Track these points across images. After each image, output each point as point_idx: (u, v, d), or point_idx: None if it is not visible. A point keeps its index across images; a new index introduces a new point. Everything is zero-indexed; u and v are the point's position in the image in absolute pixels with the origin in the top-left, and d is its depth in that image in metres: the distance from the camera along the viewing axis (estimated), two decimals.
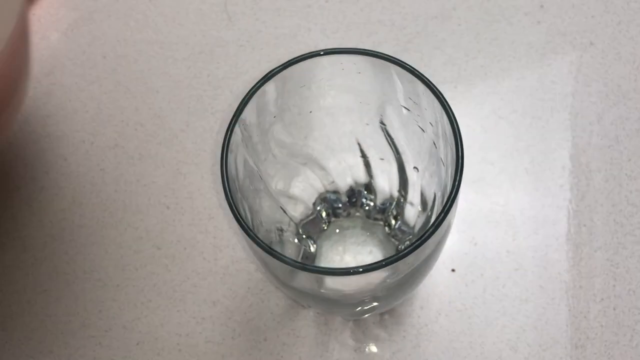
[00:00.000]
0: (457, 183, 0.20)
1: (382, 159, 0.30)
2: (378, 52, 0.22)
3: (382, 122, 0.27)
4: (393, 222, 0.32)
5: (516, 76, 0.37)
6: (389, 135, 0.28)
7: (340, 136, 0.29)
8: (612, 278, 0.33)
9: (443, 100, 0.21)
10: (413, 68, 0.21)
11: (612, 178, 0.35)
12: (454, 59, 0.38)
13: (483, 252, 0.34)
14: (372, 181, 0.32)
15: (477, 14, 0.39)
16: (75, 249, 0.35)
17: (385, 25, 0.39)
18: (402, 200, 0.31)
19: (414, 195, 0.30)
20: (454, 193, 0.20)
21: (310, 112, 0.27)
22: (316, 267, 0.20)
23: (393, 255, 0.20)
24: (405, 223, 0.32)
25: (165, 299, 0.34)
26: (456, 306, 0.33)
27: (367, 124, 0.28)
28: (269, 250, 0.21)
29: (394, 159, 0.29)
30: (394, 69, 0.22)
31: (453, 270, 0.34)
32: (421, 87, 0.22)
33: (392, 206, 0.32)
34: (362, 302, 0.27)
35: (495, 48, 0.38)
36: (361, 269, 0.21)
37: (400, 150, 0.28)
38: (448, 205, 0.20)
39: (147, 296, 0.34)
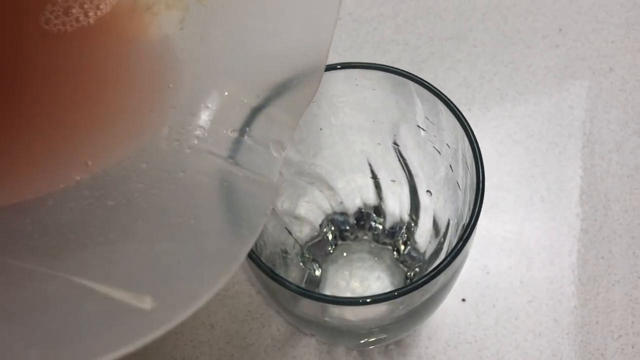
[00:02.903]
0: (477, 210, 0.18)
1: (393, 181, 0.29)
2: (397, 69, 0.21)
3: (395, 143, 0.26)
4: (402, 247, 0.31)
5: (533, 100, 0.36)
6: (402, 157, 0.27)
7: (350, 155, 0.28)
8: (630, 314, 0.31)
9: (464, 121, 0.20)
10: (433, 87, 0.20)
11: (632, 209, 0.33)
12: (469, 81, 0.37)
13: (495, 281, 0.32)
14: (382, 204, 0.30)
15: (494, 36, 0.38)
16: None
17: (399, 44, 0.38)
18: (412, 224, 0.30)
19: (425, 220, 0.29)
20: (473, 220, 0.18)
21: (321, 129, 0.25)
22: (321, 295, 0.19)
23: (406, 286, 0.19)
24: (415, 249, 0.30)
25: None
26: (466, 338, 0.31)
27: (379, 144, 0.27)
28: (272, 274, 0.20)
29: (406, 181, 0.28)
30: (413, 86, 0.21)
31: (463, 299, 0.32)
32: (441, 106, 0.20)
33: (402, 230, 0.30)
34: (368, 333, 0.26)
35: (512, 71, 0.37)
36: (369, 300, 0.19)
37: (413, 172, 0.27)
38: (467, 233, 0.18)
39: None
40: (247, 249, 0.15)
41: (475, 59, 0.37)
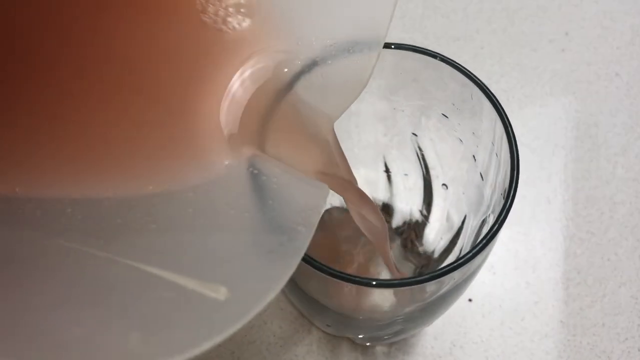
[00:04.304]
0: (513, 187, 0.18)
1: (406, 175, 0.28)
2: (429, 50, 0.20)
3: (414, 133, 0.26)
4: (410, 244, 0.30)
5: (539, 103, 0.36)
6: (420, 148, 0.26)
7: (364, 147, 0.27)
8: (636, 316, 0.31)
9: (500, 107, 0.19)
10: (469, 71, 0.20)
11: (637, 212, 0.33)
12: None
13: (502, 282, 0.32)
14: (392, 199, 0.30)
15: (501, 38, 0.38)
16: None
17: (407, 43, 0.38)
18: (423, 221, 0.29)
19: (438, 216, 0.28)
20: (510, 198, 0.18)
21: None
22: (339, 271, 0.18)
23: (435, 271, 0.18)
24: (424, 246, 0.30)
25: None
26: (472, 338, 0.31)
27: (397, 134, 0.26)
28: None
29: (421, 174, 0.28)
30: (444, 69, 0.20)
31: (470, 299, 0.32)
32: (473, 91, 0.20)
33: (411, 227, 0.30)
34: (378, 326, 0.25)
35: (519, 73, 0.37)
36: (400, 282, 0.19)
37: (430, 164, 0.27)
38: (502, 216, 0.18)
39: None
40: (306, 244, 0.15)
41: (481, 61, 0.37)
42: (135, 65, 0.18)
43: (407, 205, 0.30)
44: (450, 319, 0.31)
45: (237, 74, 0.19)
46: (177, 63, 0.19)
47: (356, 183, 0.21)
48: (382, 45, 0.18)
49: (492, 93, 0.19)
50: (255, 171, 0.17)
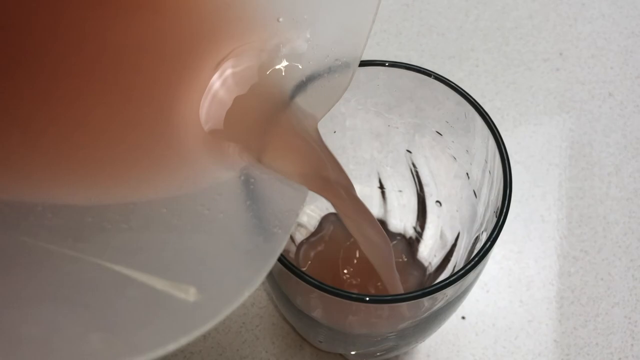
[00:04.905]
0: (506, 205, 0.18)
1: (400, 191, 0.28)
2: (424, 69, 0.21)
3: (408, 150, 0.26)
4: (405, 259, 0.30)
5: (534, 121, 0.36)
6: (414, 165, 0.26)
7: (359, 163, 0.28)
8: (630, 337, 0.31)
9: (493, 126, 0.19)
10: (463, 90, 0.20)
11: (631, 232, 0.33)
12: None
13: (495, 300, 0.32)
14: (386, 215, 0.30)
15: (496, 57, 0.38)
16: None
17: (402, 61, 0.38)
18: (417, 237, 0.29)
19: (432, 233, 0.28)
20: (503, 216, 0.18)
21: (335, 132, 0.25)
22: (331, 287, 0.18)
23: (434, 285, 0.18)
24: (418, 262, 0.30)
25: None
26: (465, 356, 0.31)
27: (391, 151, 0.26)
28: (300, 273, 0.19)
29: (415, 191, 0.28)
30: (439, 87, 0.21)
31: (463, 317, 0.32)
32: (467, 110, 0.20)
33: (404, 243, 0.30)
34: (371, 342, 0.25)
35: (513, 92, 0.37)
36: (388, 298, 0.19)
37: (424, 181, 0.27)
38: (497, 231, 0.18)
39: None
40: (282, 246, 0.15)
41: (476, 78, 0.37)
42: (111, 61, 0.17)
43: (401, 222, 0.30)
44: (444, 336, 0.31)
45: (218, 73, 0.19)
46: (153, 60, 0.18)
47: (353, 189, 0.20)
48: (360, 56, 0.18)
49: (485, 111, 0.20)
50: (234, 172, 0.17)
